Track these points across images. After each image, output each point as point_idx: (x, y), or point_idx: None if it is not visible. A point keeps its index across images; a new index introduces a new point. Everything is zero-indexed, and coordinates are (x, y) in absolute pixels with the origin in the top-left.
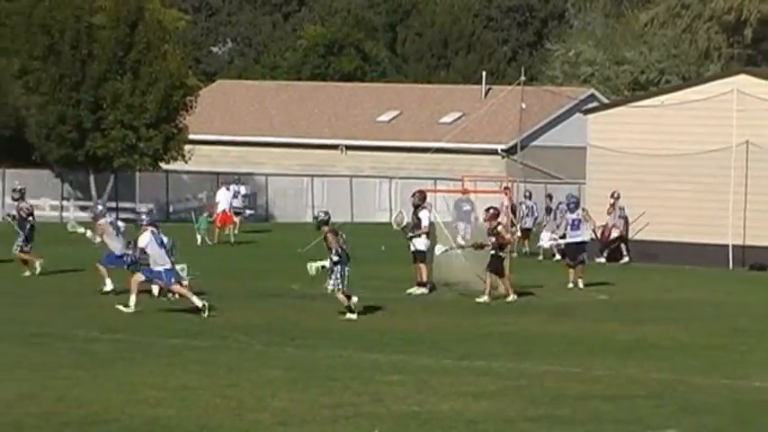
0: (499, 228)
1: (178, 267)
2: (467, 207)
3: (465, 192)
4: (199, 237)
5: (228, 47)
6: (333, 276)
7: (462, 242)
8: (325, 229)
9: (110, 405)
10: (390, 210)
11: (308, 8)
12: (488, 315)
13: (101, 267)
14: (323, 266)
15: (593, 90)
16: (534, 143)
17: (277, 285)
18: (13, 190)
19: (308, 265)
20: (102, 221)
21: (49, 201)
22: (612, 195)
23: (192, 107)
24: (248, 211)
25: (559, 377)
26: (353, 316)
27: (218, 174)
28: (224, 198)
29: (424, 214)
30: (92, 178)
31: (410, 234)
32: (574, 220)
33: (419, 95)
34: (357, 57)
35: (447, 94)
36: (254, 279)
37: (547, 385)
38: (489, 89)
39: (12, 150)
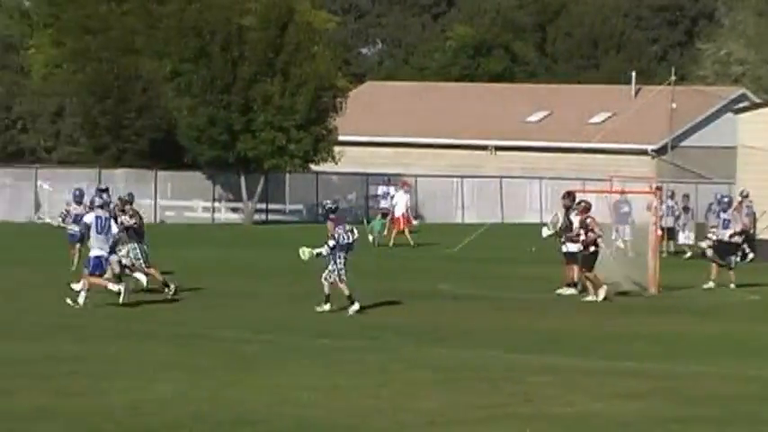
0: (588, 221)
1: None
2: (625, 209)
3: (622, 193)
4: (371, 237)
5: (378, 48)
6: (331, 265)
7: (621, 245)
8: (333, 217)
9: (260, 405)
10: (540, 210)
11: (457, 9)
12: (637, 315)
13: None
14: (318, 253)
15: (744, 90)
16: (684, 143)
17: (426, 286)
18: (119, 199)
19: (301, 249)
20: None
21: (201, 202)
22: (741, 194)
23: (341, 108)
24: None
25: (712, 378)
26: (356, 306)
27: (367, 175)
28: (401, 201)
29: (575, 216)
30: (242, 180)
31: (563, 236)
32: (725, 220)
33: (568, 96)
34: (506, 57)
35: (596, 94)
36: (404, 279)
37: (699, 386)
38: (639, 89)
39: (163, 152)
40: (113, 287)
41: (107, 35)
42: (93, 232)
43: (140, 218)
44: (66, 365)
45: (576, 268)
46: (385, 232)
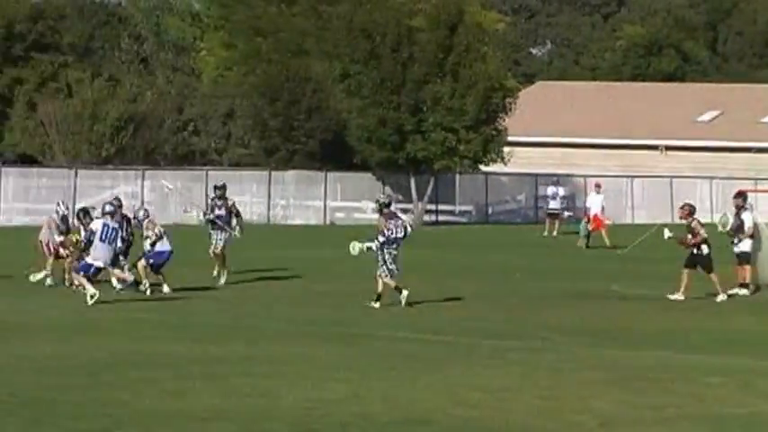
0: (693, 224)
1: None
2: None
3: None
4: (581, 242)
5: (548, 48)
6: (380, 261)
7: None
8: (385, 212)
9: (431, 406)
10: (711, 211)
11: (628, 9)
12: None
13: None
14: (368, 248)
15: None
16: None
17: (596, 286)
18: (216, 187)
19: (351, 244)
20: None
21: (371, 204)
22: None
23: (511, 109)
24: (567, 213)
25: None
26: (377, 305)
27: (536, 175)
28: (595, 201)
29: (746, 216)
30: (412, 181)
31: (734, 237)
32: None
33: (740, 95)
34: (677, 57)
35: None
36: (573, 279)
37: None
38: None
39: (333, 154)
40: (89, 289)
41: (277, 37)
42: (97, 240)
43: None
44: (238, 366)
45: (747, 268)
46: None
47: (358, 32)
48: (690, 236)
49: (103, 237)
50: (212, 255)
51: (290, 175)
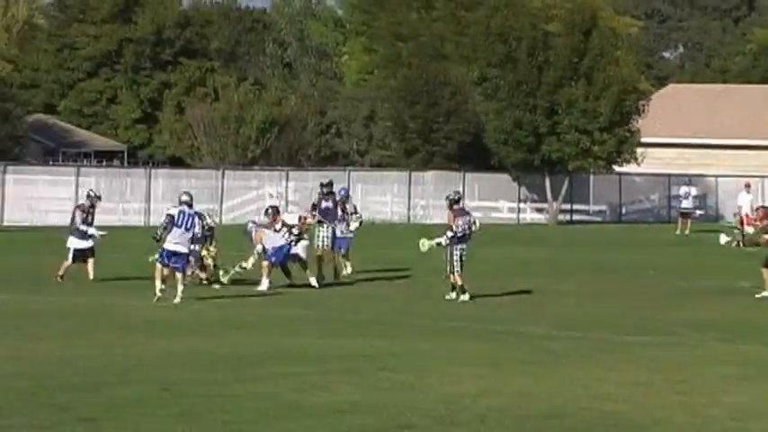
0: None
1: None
2: None
3: None
4: (724, 239)
5: (679, 52)
6: (447, 257)
7: None
8: (455, 208)
9: (567, 400)
10: None
11: (758, 12)
12: None
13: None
14: (437, 243)
15: None
16: None
17: (725, 282)
18: (322, 184)
19: (421, 241)
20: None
21: (507, 203)
22: None
23: (643, 111)
24: (698, 212)
25: None
26: (466, 297)
27: (669, 175)
28: (746, 201)
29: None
30: (547, 181)
31: None
32: None
33: None
34: None
35: None
36: (703, 277)
37: None
38: None
39: (471, 155)
40: (158, 285)
41: (417, 42)
42: (174, 226)
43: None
44: (380, 361)
45: None
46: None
47: (495, 37)
48: (765, 236)
49: (180, 222)
50: (320, 252)
51: (429, 175)
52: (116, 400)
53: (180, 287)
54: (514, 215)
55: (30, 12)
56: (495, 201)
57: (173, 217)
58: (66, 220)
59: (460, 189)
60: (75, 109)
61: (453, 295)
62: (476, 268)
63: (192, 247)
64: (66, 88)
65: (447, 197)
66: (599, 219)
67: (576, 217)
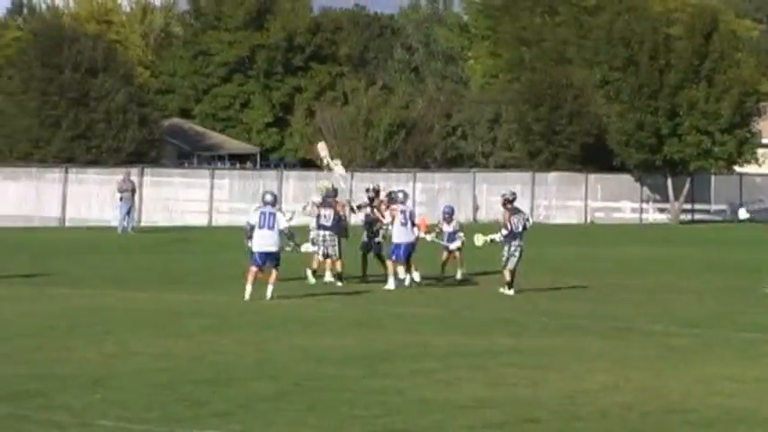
0: None
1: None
2: None
3: None
4: None
5: None
6: (504, 254)
7: None
8: (509, 207)
9: (688, 396)
10: None
11: None
12: None
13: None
14: (492, 240)
15: None
16: None
17: None
18: (366, 189)
19: (476, 236)
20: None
21: (629, 203)
22: None
23: (764, 112)
24: None
25: None
26: (510, 292)
27: None
28: None
29: None
30: (669, 181)
31: None
32: None
33: None
34: None
35: None
36: None
37: None
38: None
39: (594, 156)
40: (249, 289)
41: (541, 46)
42: (256, 228)
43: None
44: (503, 357)
45: None
46: None
47: (617, 41)
48: None
49: (263, 224)
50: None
51: (553, 176)
52: (249, 395)
53: (270, 286)
54: (637, 215)
55: (166, 20)
56: (618, 201)
57: (252, 226)
58: (201, 221)
59: (583, 190)
60: (210, 113)
61: (507, 291)
62: (598, 266)
63: (280, 244)
64: (201, 93)
65: (503, 196)
66: (719, 218)
67: (697, 216)
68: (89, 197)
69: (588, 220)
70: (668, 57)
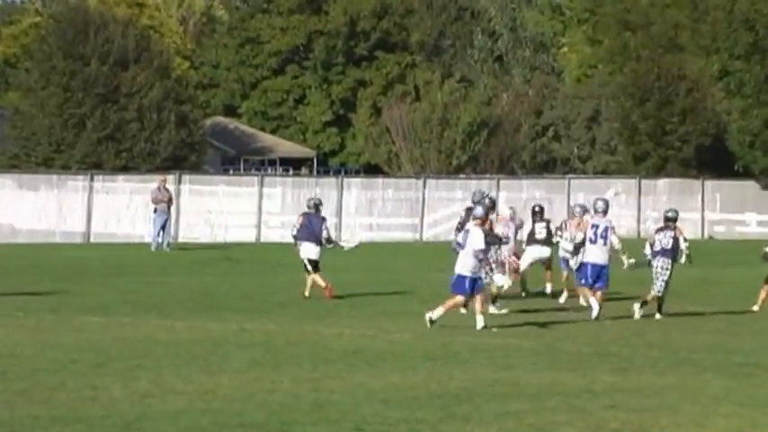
0: None
1: None
2: None
3: None
4: None
5: None
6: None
7: None
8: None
9: None
10: None
11: None
12: None
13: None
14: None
15: None
16: None
17: None
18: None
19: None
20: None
21: (755, 215)
22: None
23: None
24: None
25: None
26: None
27: None
28: None
29: None
30: None
31: None
32: None
33: None
34: None
35: None
36: None
37: None
38: None
39: (711, 160)
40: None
41: (648, 31)
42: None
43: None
44: (605, 398)
45: None
46: None
47: (739, 24)
48: None
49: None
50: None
51: (663, 183)
52: None
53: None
54: (764, 230)
55: (208, 2)
56: (741, 213)
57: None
58: (248, 236)
59: (699, 199)
60: (259, 111)
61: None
62: (717, 291)
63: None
64: (249, 88)
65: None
66: None
67: None
68: (118, 209)
69: (705, 235)
70: None
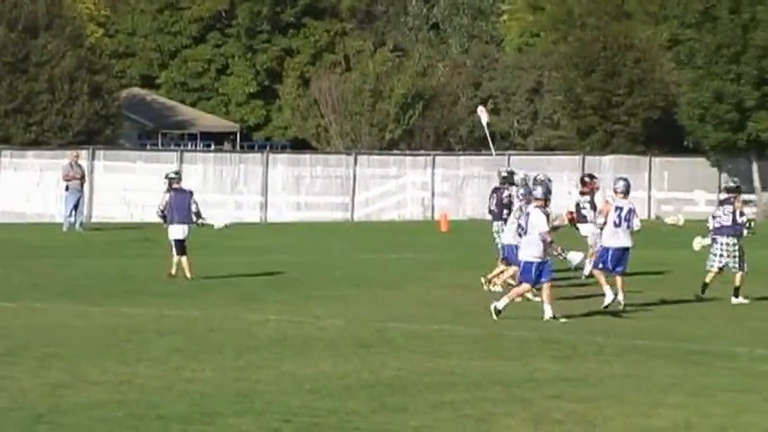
0: None
1: None
2: None
3: None
4: None
5: None
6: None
7: None
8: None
9: None
10: None
11: None
12: None
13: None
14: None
15: None
16: None
17: None
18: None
19: (696, 239)
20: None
21: (704, 194)
22: None
23: None
24: None
25: None
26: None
27: None
28: None
29: None
30: (754, 167)
31: None
32: None
33: None
34: None
35: None
36: None
37: None
38: None
39: (660, 135)
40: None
41: None
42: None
43: None
44: (548, 388)
45: None
46: None
47: None
48: None
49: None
50: None
51: (608, 160)
52: None
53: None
54: (714, 209)
55: None
56: (690, 191)
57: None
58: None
59: (646, 177)
60: (179, 81)
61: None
62: (665, 274)
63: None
64: (168, 57)
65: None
66: None
67: None
68: (28, 186)
69: (653, 215)
70: (754, 10)
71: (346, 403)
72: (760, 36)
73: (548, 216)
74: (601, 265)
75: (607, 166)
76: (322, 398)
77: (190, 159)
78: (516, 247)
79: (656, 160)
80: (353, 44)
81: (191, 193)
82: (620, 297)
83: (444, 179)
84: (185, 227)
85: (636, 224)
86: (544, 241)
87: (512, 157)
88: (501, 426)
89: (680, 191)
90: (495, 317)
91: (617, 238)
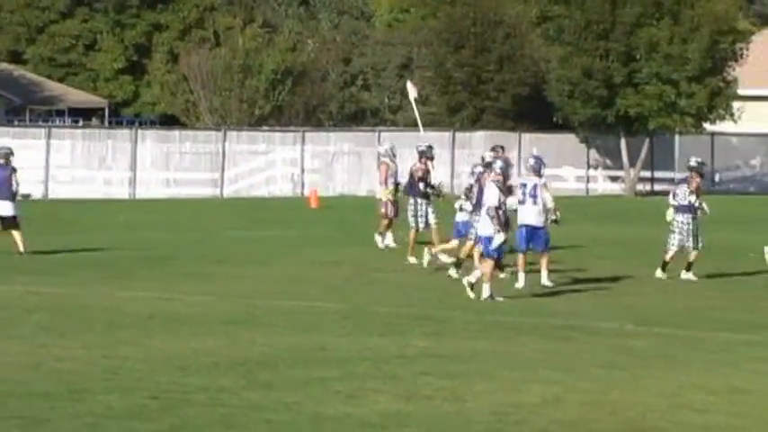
0: None
1: None
2: None
3: None
4: None
5: None
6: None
7: None
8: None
9: (649, 410)
10: None
11: None
12: None
13: None
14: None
15: None
16: None
17: None
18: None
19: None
20: None
21: (573, 170)
22: None
23: (742, 56)
24: None
25: None
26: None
27: None
28: None
29: None
30: (623, 143)
31: None
32: None
33: None
34: None
35: None
36: None
37: None
38: None
39: (529, 111)
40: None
41: None
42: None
43: None
44: (418, 364)
45: None
46: None
47: None
48: None
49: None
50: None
51: (478, 136)
52: (98, 411)
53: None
54: (582, 185)
55: None
56: (559, 167)
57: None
58: (35, 192)
59: (516, 153)
60: (46, 57)
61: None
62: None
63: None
64: (35, 32)
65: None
66: None
67: (657, 187)
68: None
69: None
70: None
71: (216, 380)
72: (628, 13)
73: (502, 191)
74: (516, 246)
75: (477, 143)
76: (191, 374)
77: (58, 135)
78: (467, 222)
79: (526, 136)
80: (223, 20)
81: (14, 169)
82: (544, 278)
83: (314, 155)
84: (9, 203)
85: (546, 200)
86: (490, 217)
87: (382, 134)
88: (370, 401)
89: (550, 167)
90: (485, 298)
91: (523, 216)
